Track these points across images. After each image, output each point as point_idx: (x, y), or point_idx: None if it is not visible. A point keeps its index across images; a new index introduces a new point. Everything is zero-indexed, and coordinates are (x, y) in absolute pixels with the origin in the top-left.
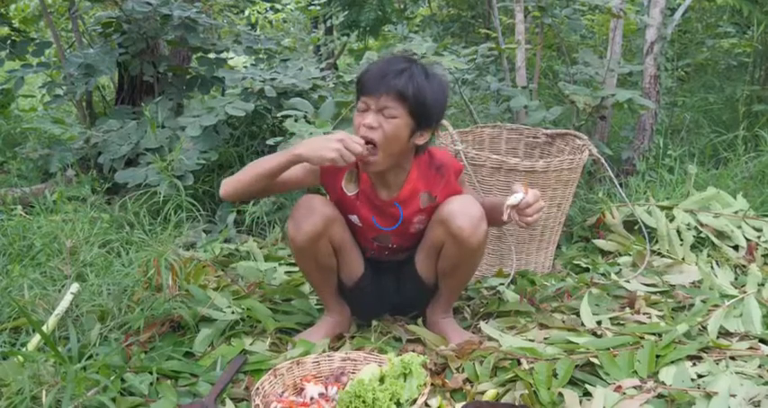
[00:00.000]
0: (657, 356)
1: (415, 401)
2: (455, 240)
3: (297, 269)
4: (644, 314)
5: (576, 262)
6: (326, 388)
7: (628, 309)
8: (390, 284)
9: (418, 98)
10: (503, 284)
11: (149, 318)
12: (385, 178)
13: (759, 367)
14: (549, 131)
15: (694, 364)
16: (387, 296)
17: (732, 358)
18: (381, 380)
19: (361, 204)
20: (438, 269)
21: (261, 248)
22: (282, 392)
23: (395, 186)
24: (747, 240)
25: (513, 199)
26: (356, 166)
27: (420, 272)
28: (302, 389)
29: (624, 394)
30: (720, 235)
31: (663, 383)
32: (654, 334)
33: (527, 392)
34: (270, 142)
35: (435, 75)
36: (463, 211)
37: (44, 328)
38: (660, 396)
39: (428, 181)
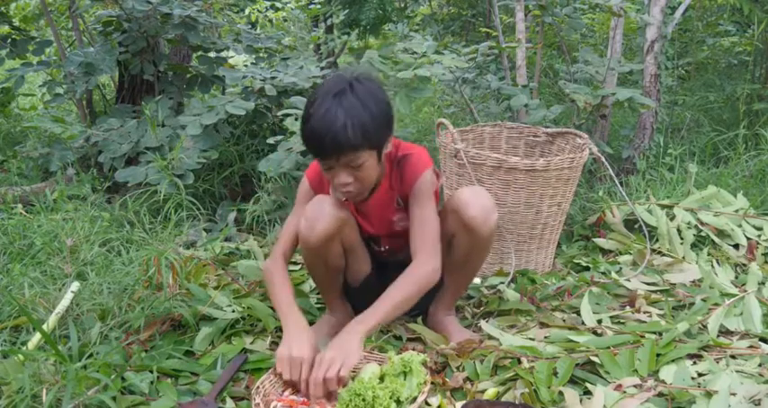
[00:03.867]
0: (658, 354)
1: (415, 399)
2: (467, 229)
3: (297, 267)
4: (644, 312)
5: (576, 261)
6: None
7: (628, 308)
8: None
9: (368, 135)
10: (503, 283)
11: (150, 317)
12: None
13: (759, 365)
14: (549, 130)
15: (695, 362)
16: None
17: (732, 356)
18: (381, 379)
19: (354, 207)
20: (448, 262)
21: (261, 247)
22: (283, 391)
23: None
24: (748, 238)
25: None
26: None
27: None
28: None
29: (624, 392)
30: (721, 233)
31: (663, 381)
32: (654, 333)
33: (527, 390)
34: (270, 141)
35: (366, 86)
36: (476, 201)
37: (44, 327)
38: (660, 395)
39: (395, 181)
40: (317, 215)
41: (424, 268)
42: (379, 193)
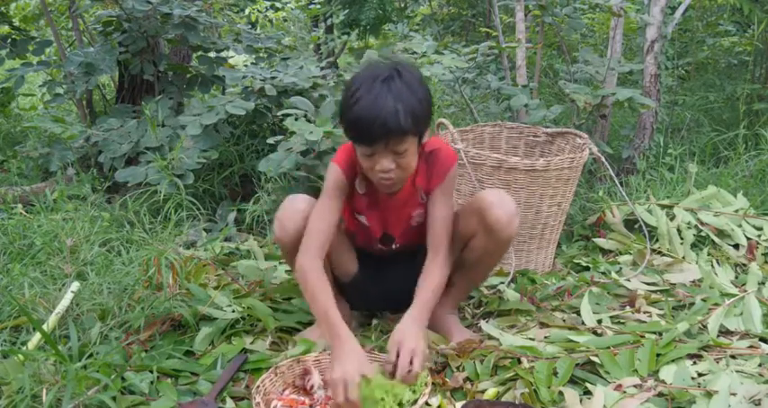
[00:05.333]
0: (658, 354)
1: (416, 401)
2: (488, 231)
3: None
4: (644, 312)
5: (576, 261)
6: (326, 386)
7: (628, 308)
8: (398, 277)
9: (416, 120)
10: (503, 283)
11: (150, 317)
12: None
13: (759, 365)
14: (549, 130)
15: (695, 362)
16: (390, 291)
17: (732, 356)
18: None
19: (369, 203)
20: (461, 260)
21: (261, 247)
22: (283, 390)
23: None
24: (748, 238)
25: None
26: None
27: None
28: (306, 372)
29: (624, 392)
30: (721, 233)
31: (663, 381)
32: (654, 333)
33: (527, 390)
34: (270, 141)
35: (410, 73)
36: (501, 203)
37: (44, 327)
38: (660, 395)
39: (422, 174)
40: (287, 214)
41: (444, 270)
42: (403, 190)
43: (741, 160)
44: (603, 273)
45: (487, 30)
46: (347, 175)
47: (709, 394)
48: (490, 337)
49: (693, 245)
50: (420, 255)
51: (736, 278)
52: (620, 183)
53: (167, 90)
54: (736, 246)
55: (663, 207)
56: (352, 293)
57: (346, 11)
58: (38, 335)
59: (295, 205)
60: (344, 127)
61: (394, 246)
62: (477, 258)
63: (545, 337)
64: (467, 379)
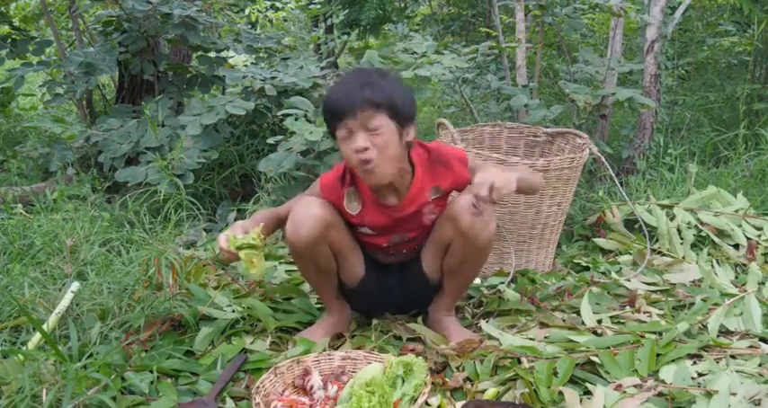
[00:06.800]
0: (658, 354)
1: (415, 400)
2: (463, 238)
3: (297, 267)
4: (644, 312)
5: (576, 261)
6: (326, 387)
7: (628, 308)
8: (395, 282)
9: (389, 100)
10: (503, 283)
11: (150, 317)
12: (390, 185)
13: (759, 365)
14: (549, 130)
15: (695, 362)
16: (391, 294)
17: (732, 356)
18: (378, 381)
19: (370, 217)
20: (444, 266)
21: None
22: (283, 390)
23: (402, 189)
24: (748, 238)
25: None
26: (353, 185)
27: (426, 270)
28: (306, 373)
29: (624, 392)
30: (721, 233)
31: (663, 381)
32: (654, 333)
33: (527, 390)
34: (270, 141)
35: (388, 73)
36: (473, 210)
37: (44, 327)
38: (660, 395)
39: (434, 176)
40: (301, 218)
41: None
42: (417, 187)
43: (741, 160)
44: (603, 273)
45: (487, 30)
46: (324, 191)
47: (709, 394)
48: (490, 337)
49: (693, 245)
50: (418, 258)
51: (736, 278)
52: (620, 183)
53: (167, 90)
54: (736, 246)
55: (663, 207)
56: (356, 299)
57: (346, 11)
58: (38, 335)
59: (310, 210)
60: (324, 117)
61: (406, 240)
62: (458, 263)
63: (545, 337)
64: (467, 379)
